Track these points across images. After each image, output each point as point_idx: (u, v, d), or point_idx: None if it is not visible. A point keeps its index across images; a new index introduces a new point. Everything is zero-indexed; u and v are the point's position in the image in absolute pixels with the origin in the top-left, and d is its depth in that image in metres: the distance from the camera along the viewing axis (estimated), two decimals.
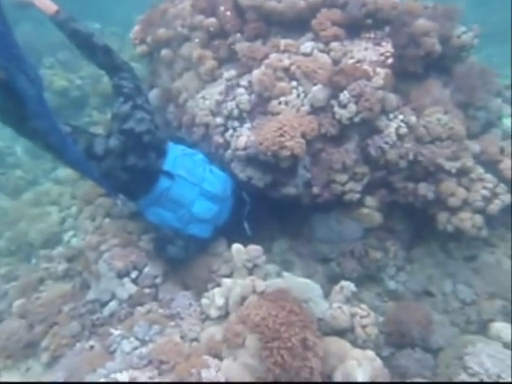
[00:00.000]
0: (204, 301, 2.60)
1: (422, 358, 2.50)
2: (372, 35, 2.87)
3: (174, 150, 2.85)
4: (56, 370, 2.42)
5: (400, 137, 2.81)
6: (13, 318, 2.79)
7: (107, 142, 2.61)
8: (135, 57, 4.93)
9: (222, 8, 3.09)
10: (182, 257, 2.85)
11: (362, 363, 2.08)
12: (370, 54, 2.80)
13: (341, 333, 2.34)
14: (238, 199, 3.15)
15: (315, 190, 2.85)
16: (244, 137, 2.83)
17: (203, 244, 2.99)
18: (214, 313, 2.49)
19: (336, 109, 2.66)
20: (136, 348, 2.32)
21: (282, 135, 2.59)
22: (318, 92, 2.71)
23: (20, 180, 5.47)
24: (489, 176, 2.85)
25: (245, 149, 2.82)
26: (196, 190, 2.83)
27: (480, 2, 8.33)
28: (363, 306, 2.46)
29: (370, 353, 2.18)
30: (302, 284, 2.54)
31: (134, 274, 2.76)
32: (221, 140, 3.02)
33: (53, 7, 2.85)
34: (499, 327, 2.64)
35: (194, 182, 2.82)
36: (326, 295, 2.60)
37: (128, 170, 2.64)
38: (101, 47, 2.91)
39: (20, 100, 2.38)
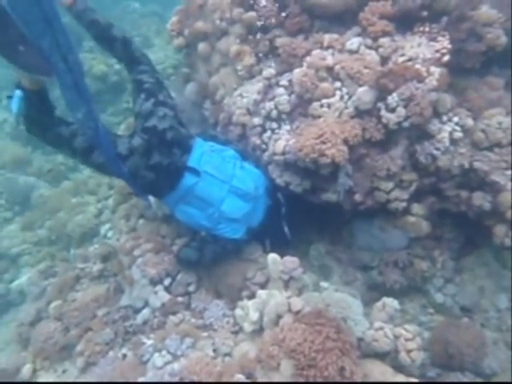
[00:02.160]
0: (238, 311, 2.52)
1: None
2: (427, 29, 2.57)
3: (201, 146, 2.75)
4: (89, 378, 2.43)
5: (454, 141, 2.56)
6: (50, 319, 2.83)
7: (130, 142, 2.57)
8: None
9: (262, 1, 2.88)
10: (194, 259, 2.76)
11: None
12: (423, 50, 2.52)
13: (382, 356, 2.21)
14: (274, 200, 3.01)
15: (357, 197, 2.66)
16: (282, 141, 2.66)
17: (235, 247, 2.88)
18: (248, 327, 2.41)
19: (383, 112, 2.44)
20: (168, 363, 2.28)
21: (322, 142, 2.41)
22: (364, 94, 2.48)
23: (61, 166, 5.55)
24: None
25: (283, 153, 2.65)
26: (225, 188, 2.71)
27: None
28: (408, 326, 2.30)
29: (415, 380, 2.05)
30: (340, 301, 2.40)
31: (167, 282, 2.71)
32: (258, 141, 2.87)
33: None
34: None
35: (222, 179, 2.70)
36: (366, 304, 2.46)
37: (153, 168, 2.58)
38: (119, 39, 2.83)
39: (46, 107, 2.37)
